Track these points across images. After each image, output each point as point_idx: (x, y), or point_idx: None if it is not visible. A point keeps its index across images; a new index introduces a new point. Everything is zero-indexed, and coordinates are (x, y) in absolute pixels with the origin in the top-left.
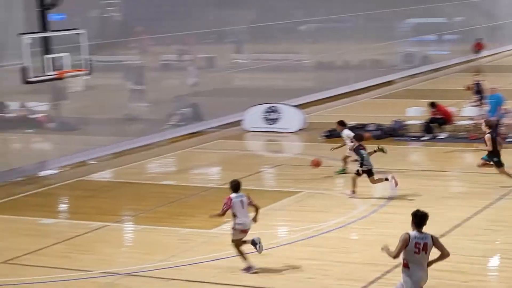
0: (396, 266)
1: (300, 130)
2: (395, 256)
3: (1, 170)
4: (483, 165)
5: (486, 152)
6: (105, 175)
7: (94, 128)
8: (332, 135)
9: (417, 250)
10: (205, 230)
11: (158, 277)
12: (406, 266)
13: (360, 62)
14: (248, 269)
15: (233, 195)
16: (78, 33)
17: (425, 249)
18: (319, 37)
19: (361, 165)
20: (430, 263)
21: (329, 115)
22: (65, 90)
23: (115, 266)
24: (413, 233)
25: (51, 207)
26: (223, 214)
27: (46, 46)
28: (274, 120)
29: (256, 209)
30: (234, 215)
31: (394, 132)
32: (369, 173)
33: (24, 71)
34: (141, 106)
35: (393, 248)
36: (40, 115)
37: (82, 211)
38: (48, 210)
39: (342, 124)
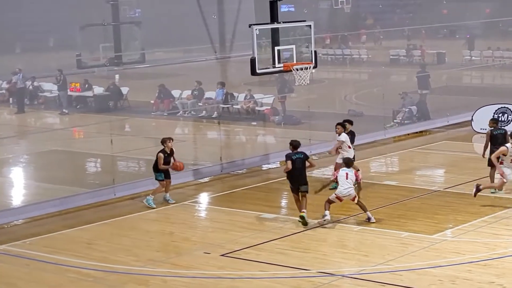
0: None
1: None
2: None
3: (224, 161)
4: None
5: None
6: (326, 172)
7: (318, 123)
8: None
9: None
10: (426, 235)
11: (375, 281)
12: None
13: None
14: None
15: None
16: (306, 25)
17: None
18: None
19: None
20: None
21: None
22: (292, 83)
23: (332, 266)
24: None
25: (271, 202)
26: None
27: (274, 37)
28: (505, 122)
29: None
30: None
31: None
32: None
33: (253, 62)
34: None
35: None
36: (265, 107)
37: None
38: (268, 204)
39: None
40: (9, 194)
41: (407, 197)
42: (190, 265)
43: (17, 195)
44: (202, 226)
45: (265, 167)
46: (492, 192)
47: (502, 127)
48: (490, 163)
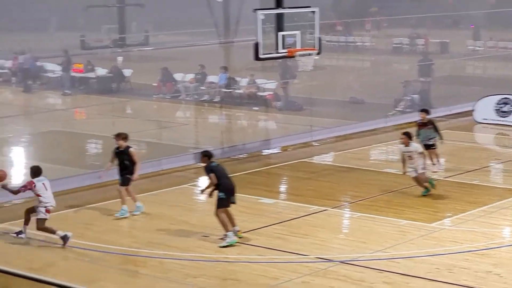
0: None
1: None
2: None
3: (225, 146)
4: None
5: None
6: (327, 158)
7: (319, 110)
8: None
9: None
10: (425, 224)
11: (372, 267)
12: None
13: None
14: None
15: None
16: (311, 11)
17: None
18: None
19: None
20: None
21: None
22: (295, 69)
23: (330, 252)
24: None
25: (271, 187)
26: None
27: (279, 23)
28: (507, 113)
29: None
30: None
31: None
32: None
33: (256, 47)
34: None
35: None
36: (267, 93)
37: (301, 194)
38: (268, 189)
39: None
40: (8, 173)
41: (407, 186)
42: (187, 247)
43: (17, 175)
44: (201, 210)
45: (265, 152)
46: None
47: None
48: None
